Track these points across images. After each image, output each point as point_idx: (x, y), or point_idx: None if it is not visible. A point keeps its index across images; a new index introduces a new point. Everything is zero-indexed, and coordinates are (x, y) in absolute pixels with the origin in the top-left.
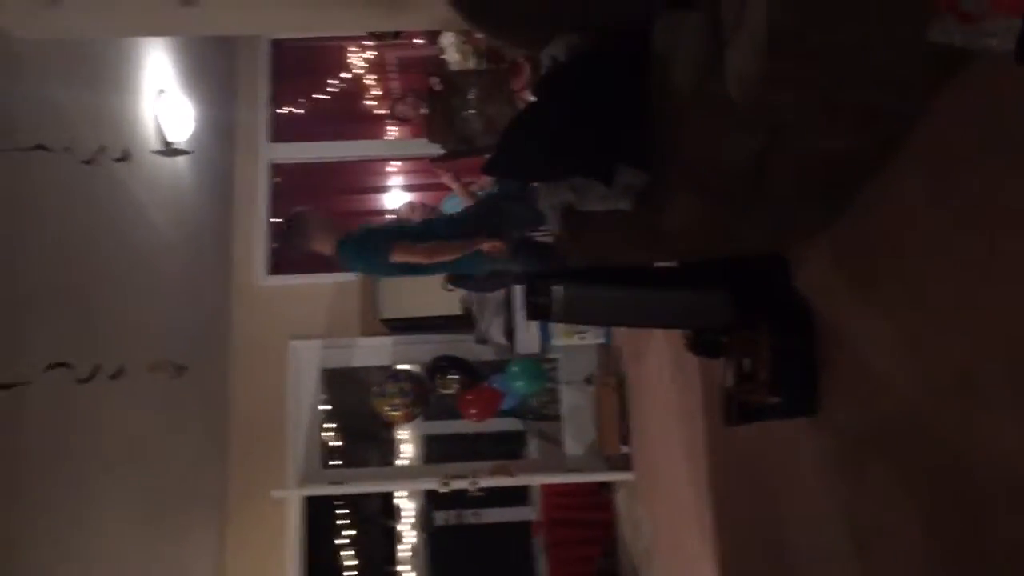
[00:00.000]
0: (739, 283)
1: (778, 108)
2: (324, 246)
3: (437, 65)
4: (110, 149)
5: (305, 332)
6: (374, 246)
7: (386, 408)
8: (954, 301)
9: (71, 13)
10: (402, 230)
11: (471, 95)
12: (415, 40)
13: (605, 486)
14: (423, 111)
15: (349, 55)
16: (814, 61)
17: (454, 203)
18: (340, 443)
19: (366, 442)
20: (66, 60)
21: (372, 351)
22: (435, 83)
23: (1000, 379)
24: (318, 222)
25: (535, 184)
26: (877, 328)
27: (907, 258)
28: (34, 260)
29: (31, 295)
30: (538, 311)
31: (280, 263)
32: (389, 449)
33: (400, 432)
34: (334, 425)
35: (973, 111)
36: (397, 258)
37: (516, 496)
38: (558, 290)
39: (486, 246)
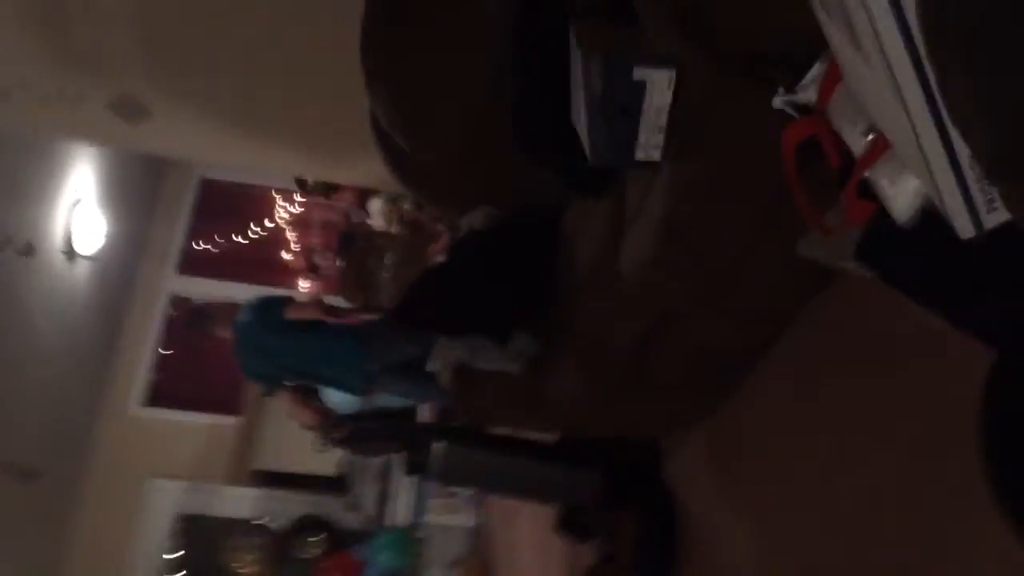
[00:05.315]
0: (612, 466)
1: (663, 295)
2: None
3: (362, 226)
4: (15, 242)
5: (168, 471)
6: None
7: (236, 565)
8: (803, 502)
9: (17, 110)
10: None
11: (388, 259)
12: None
13: None
14: (338, 265)
15: (276, 207)
16: (699, 255)
17: None
18: None
19: None
20: None
21: (236, 502)
22: (356, 237)
23: None
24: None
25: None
26: (732, 523)
27: (769, 460)
28: None
29: None
30: (416, 467)
31: (159, 396)
32: None
33: None
34: None
35: (839, 320)
36: (292, 314)
37: None
38: (438, 447)
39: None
